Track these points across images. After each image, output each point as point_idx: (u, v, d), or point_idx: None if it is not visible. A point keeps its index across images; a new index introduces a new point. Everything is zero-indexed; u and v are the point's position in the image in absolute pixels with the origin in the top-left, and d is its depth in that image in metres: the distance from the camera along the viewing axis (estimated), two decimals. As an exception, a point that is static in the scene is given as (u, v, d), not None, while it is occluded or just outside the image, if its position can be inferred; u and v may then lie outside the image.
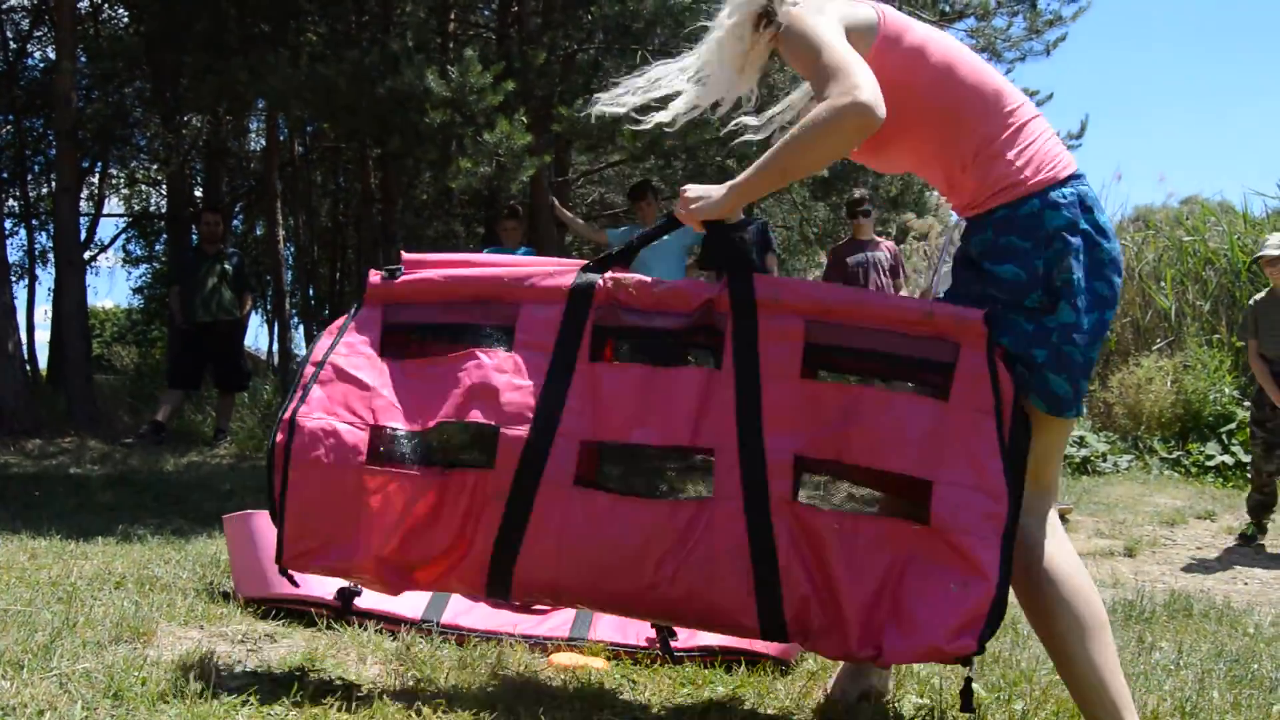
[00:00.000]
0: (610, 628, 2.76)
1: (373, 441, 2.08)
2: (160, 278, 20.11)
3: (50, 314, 13.91)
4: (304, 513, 2.05)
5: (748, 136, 2.44)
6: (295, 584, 2.27)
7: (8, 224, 11.92)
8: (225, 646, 2.40)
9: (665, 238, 7.00)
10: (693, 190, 2.13)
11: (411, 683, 2.26)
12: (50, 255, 14.96)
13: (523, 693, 2.24)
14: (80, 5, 11.60)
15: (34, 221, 15.33)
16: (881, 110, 1.92)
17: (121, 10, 12.56)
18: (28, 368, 9.64)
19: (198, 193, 13.69)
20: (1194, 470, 7.66)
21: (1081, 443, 8.07)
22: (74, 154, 9.12)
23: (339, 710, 2.05)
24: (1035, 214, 2.01)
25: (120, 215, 19.47)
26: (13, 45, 13.47)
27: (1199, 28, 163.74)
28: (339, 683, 2.22)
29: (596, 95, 2.36)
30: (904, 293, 7.62)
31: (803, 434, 2.01)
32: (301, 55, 7.45)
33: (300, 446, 2.05)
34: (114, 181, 17.49)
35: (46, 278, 20.92)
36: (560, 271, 2.15)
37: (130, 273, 37.11)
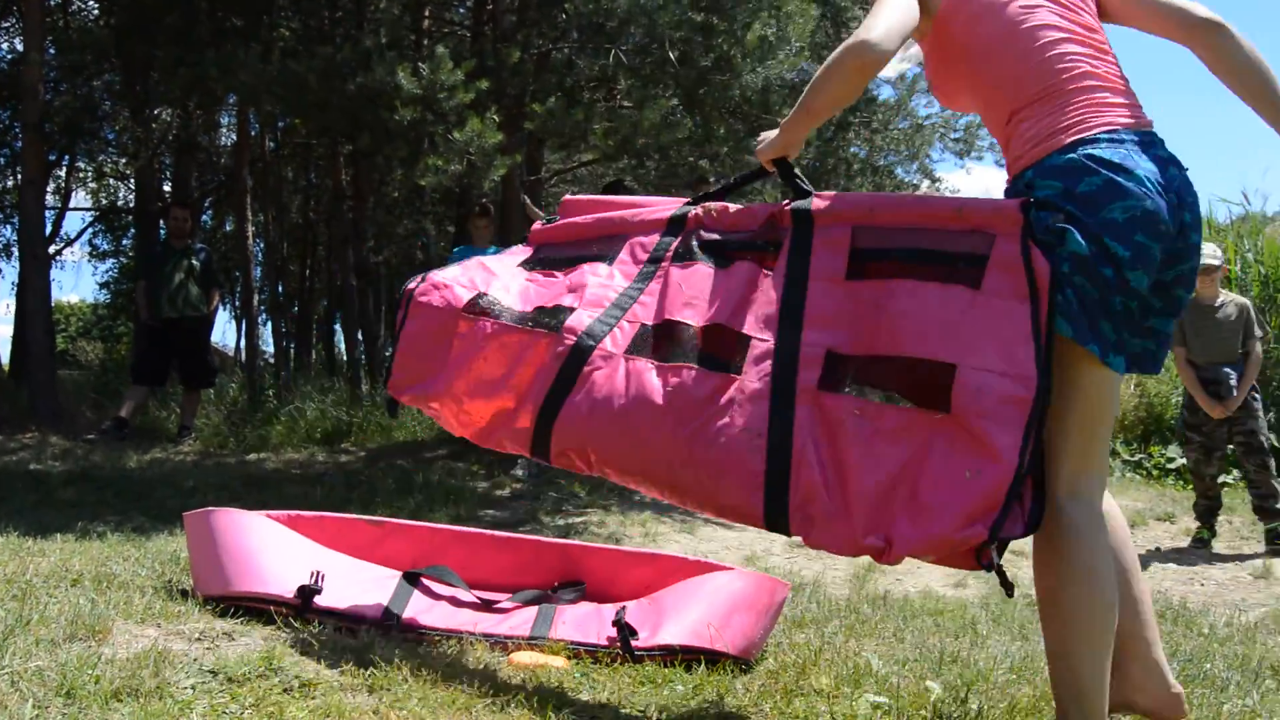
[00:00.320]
0: (571, 627, 2.77)
1: (474, 299, 2.41)
2: (127, 273, 19.91)
3: (13, 308, 13.75)
4: (409, 347, 2.44)
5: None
6: (394, 415, 2.67)
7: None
8: (181, 645, 2.38)
9: None
10: (762, 136, 2.35)
11: (370, 682, 2.26)
12: (15, 249, 14.79)
13: (481, 692, 2.24)
14: (48, -4, 11.46)
15: (-1, 214, 15.15)
16: (882, 50, 2.06)
17: (91, 2, 12.42)
18: (-10, 362, 9.53)
19: (166, 187, 13.57)
20: (1155, 473, 7.76)
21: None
22: (40, 146, 9.02)
23: (296, 709, 2.04)
24: (1029, 184, 2.07)
25: (87, 209, 19.22)
26: (-21, 36, 13.30)
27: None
28: (297, 682, 2.21)
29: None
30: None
31: (840, 331, 2.09)
32: (274, 50, 7.41)
33: (420, 290, 2.45)
34: (81, 175, 17.28)
35: (11, 271, 20.66)
36: (666, 206, 2.46)
37: (96, 267, 36.81)
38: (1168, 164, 2.06)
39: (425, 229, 13.14)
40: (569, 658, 2.64)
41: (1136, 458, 8.05)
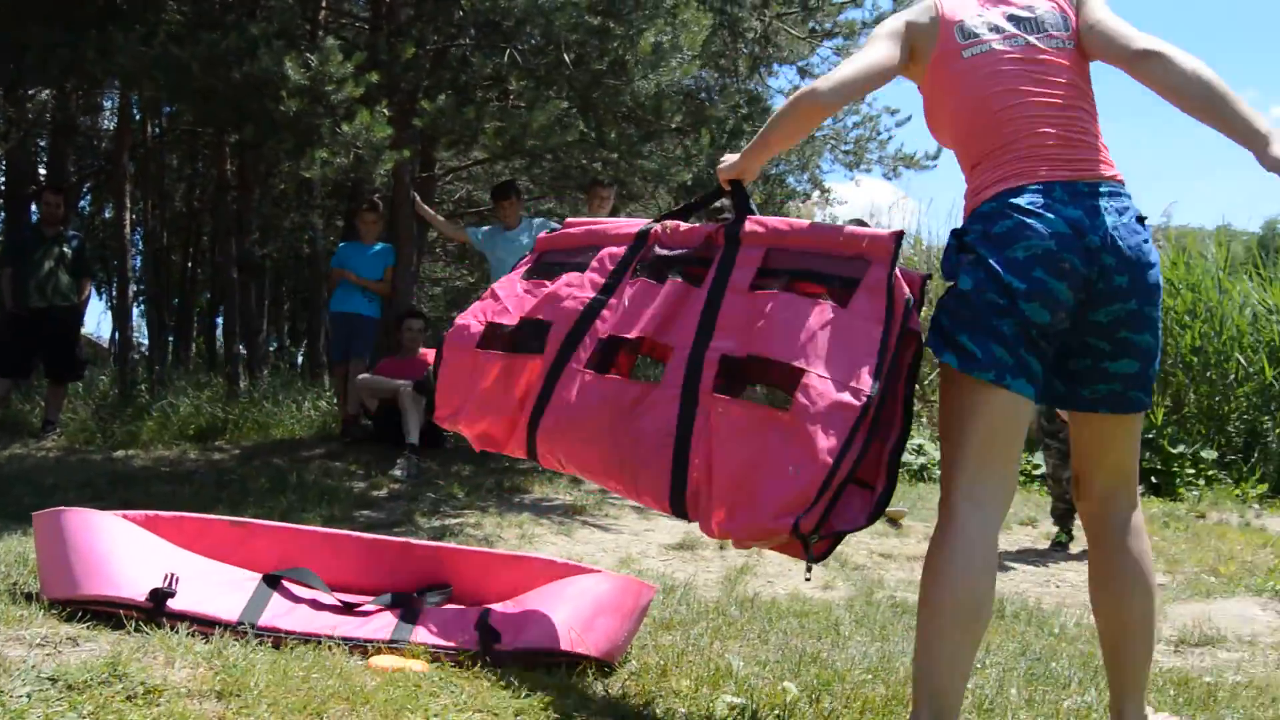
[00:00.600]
0: (434, 630, 2.75)
1: (486, 332, 2.78)
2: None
3: None
4: (443, 381, 2.85)
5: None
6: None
7: None
8: (20, 650, 2.30)
9: (525, 240, 7.15)
10: (725, 159, 2.61)
11: (220, 687, 2.22)
12: None
13: (336, 696, 2.22)
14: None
15: None
16: (828, 101, 2.37)
17: (-41, -27, 11.84)
18: None
19: (41, 170, 13.04)
20: (1021, 479, 8.05)
21: (919, 451, 8.40)
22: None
23: (138, 717, 2.00)
24: (964, 228, 2.33)
25: (-46, 191, 18.36)
26: None
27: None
28: (142, 688, 2.16)
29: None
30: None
31: (736, 338, 2.36)
32: (158, 34, 7.18)
33: (449, 335, 2.85)
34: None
35: None
36: (641, 222, 2.77)
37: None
38: (1103, 212, 2.21)
39: (313, 223, 12.87)
40: (430, 661, 2.63)
41: (1006, 465, 8.35)
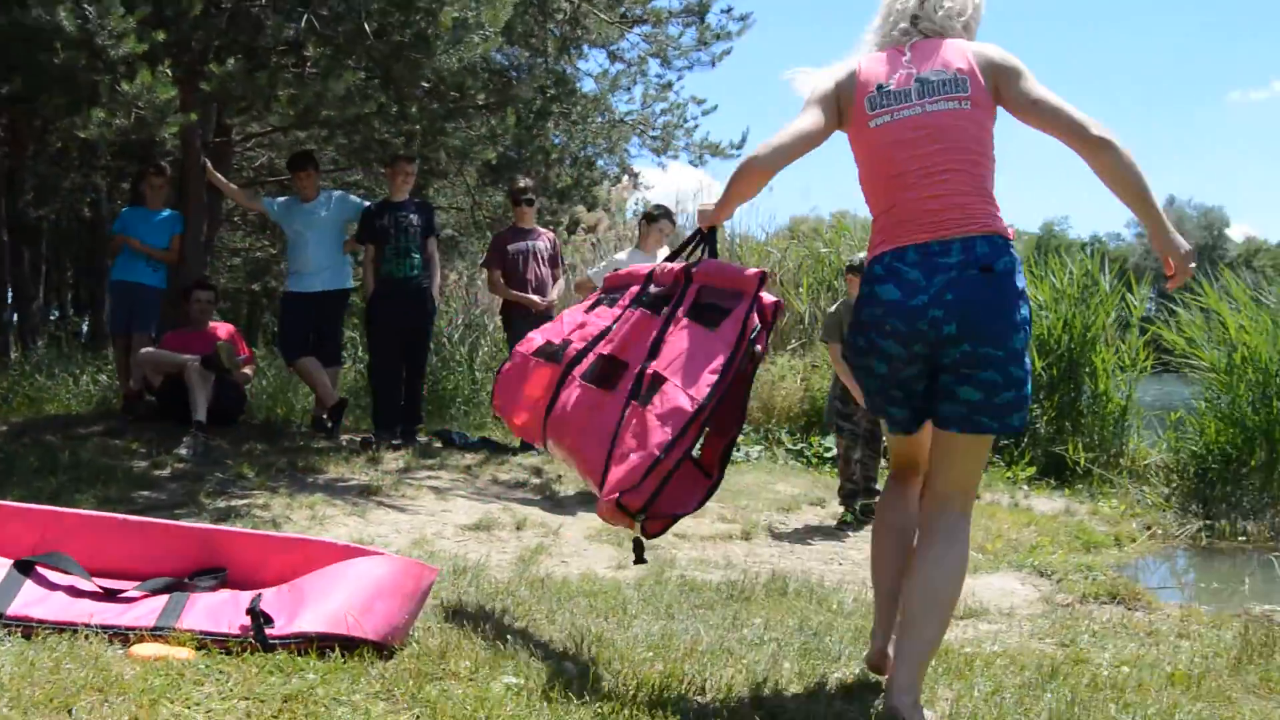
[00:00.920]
0: (202, 616, 2.65)
1: (539, 345, 3.34)
2: None
3: None
4: (502, 382, 3.45)
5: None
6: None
7: None
8: None
9: (323, 213, 6.95)
10: (703, 206, 3.05)
11: (-45, 681, 2.06)
12: None
13: (87, 687, 2.11)
14: None
15: None
16: (765, 166, 2.76)
17: None
18: None
19: None
20: (814, 461, 8.39)
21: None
22: None
23: None
24: None
25: None
26: None
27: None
28: None
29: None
30: (560, 282, 7.81)
31: (660, 359, 2.87)
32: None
33: (519, 343, 3.49)
34: None
35: None
36: (649, 266, 3.29)
37: None
38: (939, 271, 2.58)
39: (96, 184, 12.07)
40: (197, 649, 2.53)
41: (799, 446, 8.68)
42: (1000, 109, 2.72)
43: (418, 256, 7.28)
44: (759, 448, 8.65)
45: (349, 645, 2.61)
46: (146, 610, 2.66)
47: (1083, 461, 8.43)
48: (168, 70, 5.97)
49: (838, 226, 11.62)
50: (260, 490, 5.56)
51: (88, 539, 2.91)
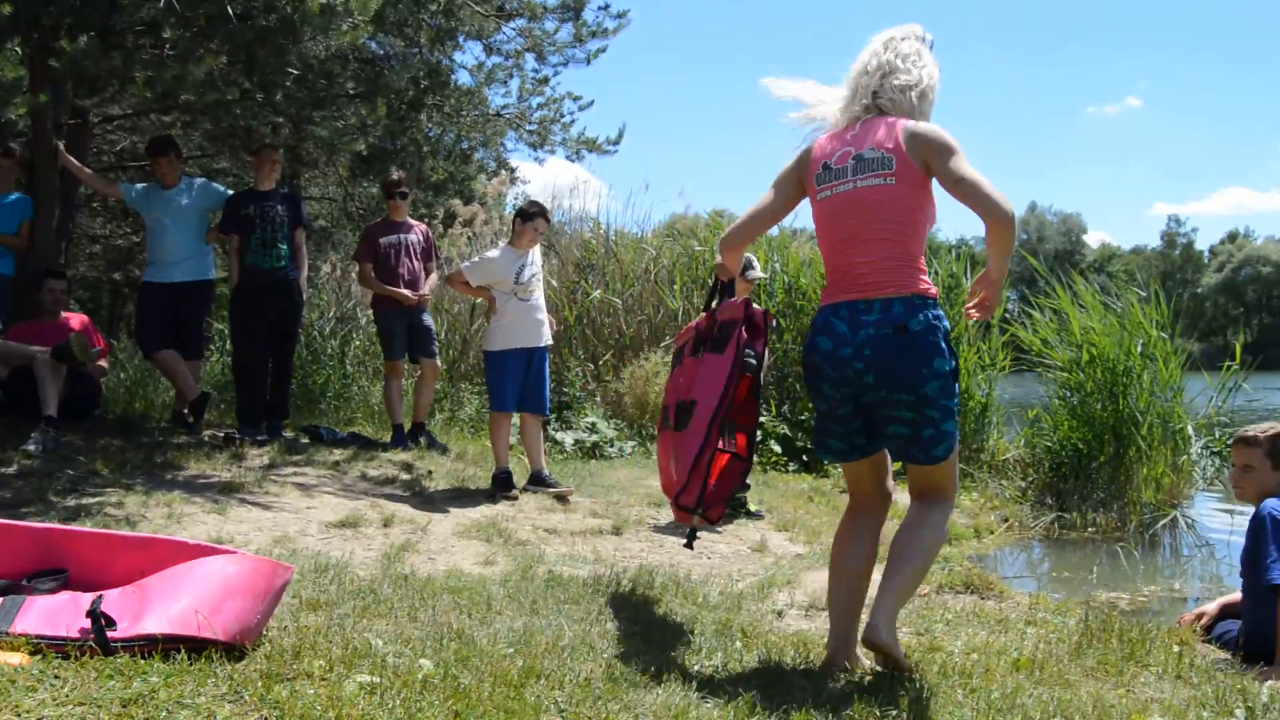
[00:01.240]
0: (39, 619, 2.53)
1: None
2: None
3: None
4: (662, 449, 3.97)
5: None
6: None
7: None
8: None
9: (184, 200, 6.77)
10: (717, 261, 3.66)
11: None
12: None
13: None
14: None
15: None
16: (734, 242, 3.47)
17: None
18: None
19: None
20: (688, 457, 8.48)
21: (593, 429, 8.64)
22: None
23: None
24: None
25: None
26: None
27: (729, 57, 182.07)
28: None
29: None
30: (434, 277, 7.71)
31: (694, 387, 3.60)
32: None
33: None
34: None
35: None
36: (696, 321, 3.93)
37: None
38: (863, 328, 3.05)
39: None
40: (32, 654, 2.42)
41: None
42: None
43: (285, 247, 7.09)
44: (632, 443, 8.70)
45: (197, 646, 2.53)
46: (-24, 614, 2.53)
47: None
48: (16, 48, 5.68)
49: (713, 225, 11.75)
50: (114, 488, 5.34)
51: (-86, 540, 2.76)
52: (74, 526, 3.14)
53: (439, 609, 3.48)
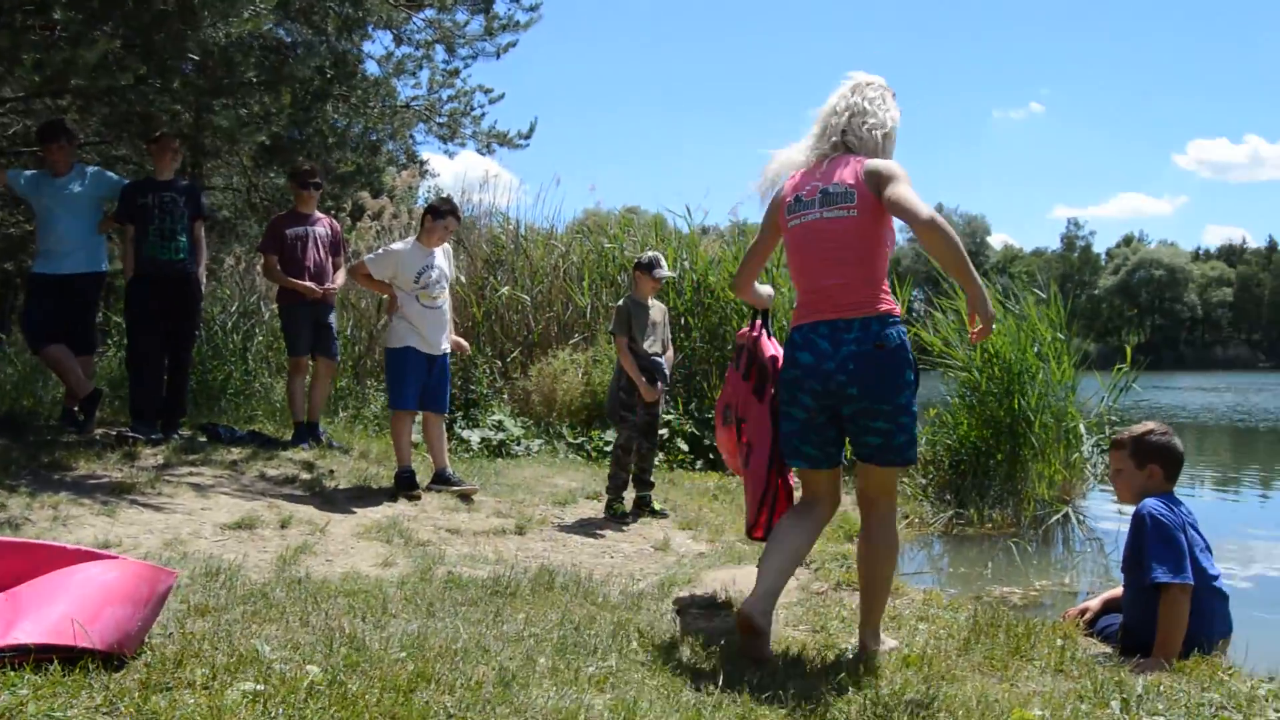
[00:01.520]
0: (-99, 630, 2.42)
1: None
2: None
3: None
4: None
5: None
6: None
7: None
8: None
9: (76, 188, 6.58)
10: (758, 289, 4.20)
11: None
12: None
13: None
14: None
15: None
16: (739, 283, 4.04)
17: None
18: None
19: None
20: (594, 454, 8.48)
21: (499, 427, 8.59)
22: None
23: None
24: None
25: None
26: None
27: (644, 53, 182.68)
28: None
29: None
30: (341, 273, 7.59)
31: (748, 425, 4.21)
32: None
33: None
34: None
35: None
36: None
37: None
38: (844, 344, 3.40)
39: None
40: (-109, 666, 2.31)
41: (579, 440, 8.76)
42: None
43: (184, 239, 6.90)
44: (539, 441, 8.67)
45: (72, 656, 2.44)
46: None
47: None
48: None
49: (622, 222, 11.76)
50: (-6, 488, 5.14)
51: None
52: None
53: (332, 613, 3.42)
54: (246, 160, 9.41)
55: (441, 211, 6.33)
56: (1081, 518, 7.87)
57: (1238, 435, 17.78)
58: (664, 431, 8.50)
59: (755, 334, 4.25)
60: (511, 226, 11.33)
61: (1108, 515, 7.98)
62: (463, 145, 10.72)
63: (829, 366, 3.41)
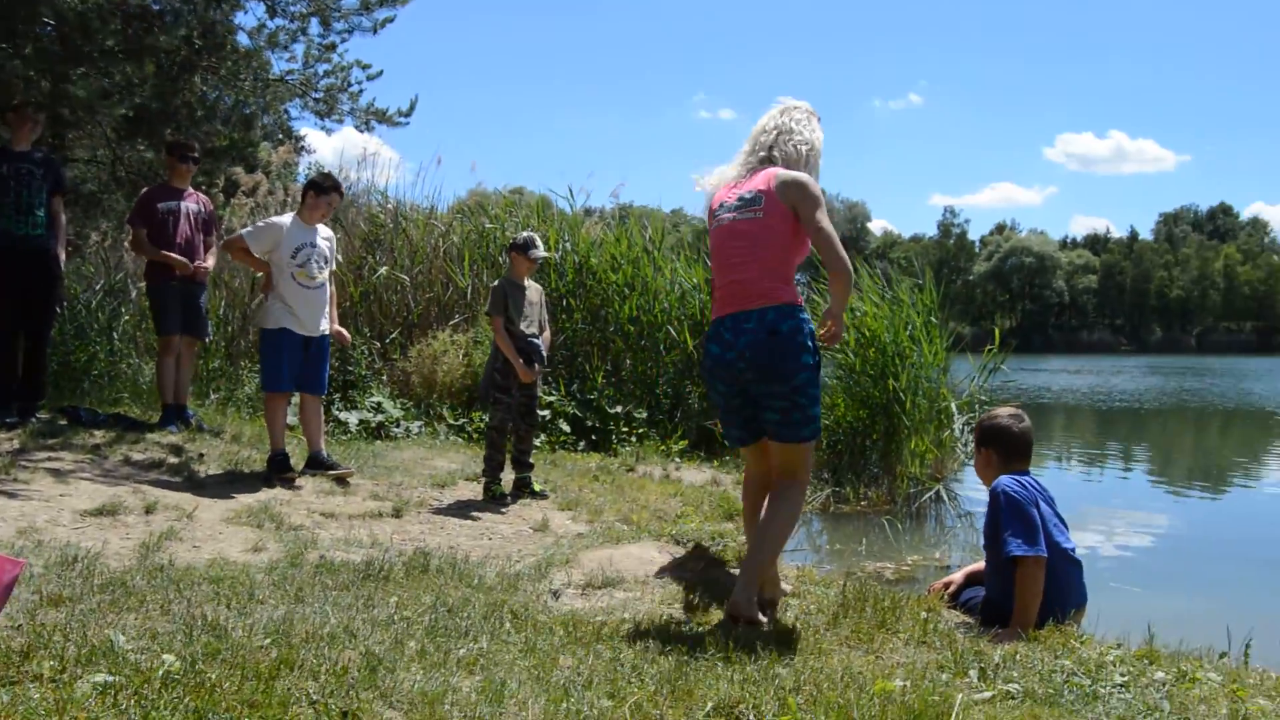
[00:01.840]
0: None
1: None
2: None
3: None
4: None
5: None
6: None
7: None
8: None
9: None
10: None
11: None
12: None
13: None
14: None
15: None
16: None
17: None
18: None
19: None
20: (475, 436, 8.41)
21: (379, 409, 8.45)
22: None
23: None
24: None
25: None
26: None
27: (528, 32, 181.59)
28: None
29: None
30: (214, 252, 7.34)
31: None
32: None
33: None
34: None
35: None
36: None
37: None
38: (742, 334, 3.78)
39: None
40: None
41: (460, 422, 8.67)
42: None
43: (41, 214, 6.61)
44: (419, 423, 8.56)
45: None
46: None
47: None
48: None
49: (506, 203, 11.66)
50: None
51: None
52: None
53: (195, 600, 3.32)
54: (110, 132, 9.01)
55: (325, 187, 6.17)
56: (952, 494, 8.15)
57: (1098, 416, 18.63)
58: (546, 412, 8.47)
59: None
60: (391, 205, 11.12)
61: (978, 492, 8.28)
62: (340, 122, 10.42)
63: (729, 356, 3.84)
